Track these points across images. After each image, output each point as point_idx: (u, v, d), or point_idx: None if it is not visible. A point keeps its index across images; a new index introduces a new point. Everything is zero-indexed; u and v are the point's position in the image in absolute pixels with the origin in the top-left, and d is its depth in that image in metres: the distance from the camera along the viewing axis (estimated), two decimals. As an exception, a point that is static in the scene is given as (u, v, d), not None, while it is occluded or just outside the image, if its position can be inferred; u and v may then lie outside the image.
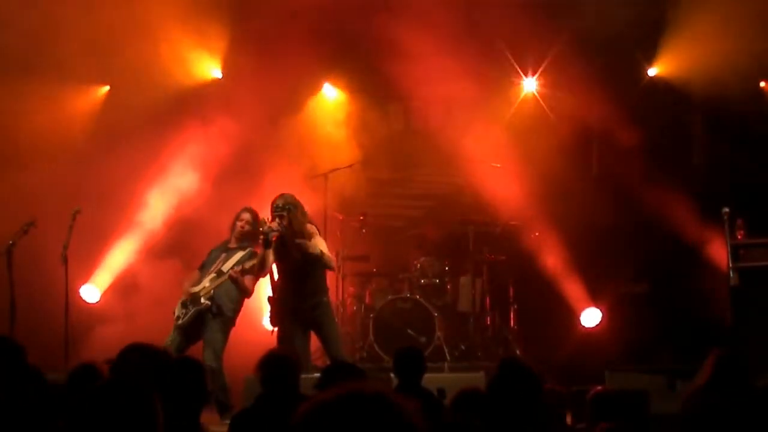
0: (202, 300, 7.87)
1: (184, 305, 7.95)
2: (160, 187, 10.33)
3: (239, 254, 8.03)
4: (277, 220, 7.52)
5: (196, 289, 7.95)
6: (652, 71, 10.38)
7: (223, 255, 8.11)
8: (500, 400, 3.77)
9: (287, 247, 7.56)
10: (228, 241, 8.25)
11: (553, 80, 10.44)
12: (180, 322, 7.90)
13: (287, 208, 7.55)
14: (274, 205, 7.61)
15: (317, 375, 5.98)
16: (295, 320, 7.65)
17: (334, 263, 8.03)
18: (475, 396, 4.18)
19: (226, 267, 7.96)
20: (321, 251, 7.60)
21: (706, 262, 9.55)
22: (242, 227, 8.14)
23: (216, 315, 7.87)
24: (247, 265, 7.82)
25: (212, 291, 7.89)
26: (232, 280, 7.83)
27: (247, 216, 8.19)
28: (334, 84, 11.05)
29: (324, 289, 7.87)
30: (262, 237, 7.51)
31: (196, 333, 7.93)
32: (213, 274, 7.98)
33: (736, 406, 2.49)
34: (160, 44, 9.93)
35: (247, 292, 7.95)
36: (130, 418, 2.55)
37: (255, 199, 9.89)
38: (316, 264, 7.63)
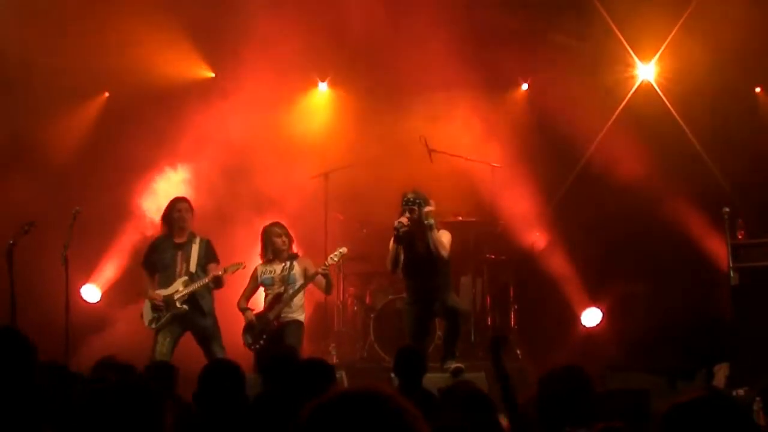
0: (178, 304, 7.90)
1: (155, 309, 7.94)
2: (158, 189, 10.33)
3: (195, 249, 8.03)
4: (406, 214, 7.56)
5: (169, 292, 7.94)
6: (649, 74, 10.34)
7: (179, 253, 8.06)
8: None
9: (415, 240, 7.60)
10: (170, 236, 8.15)
11: (549, 80, 10.46)
12: (156, 325, 7.92)
13: (417, 202, 7.60)
14: (405, 199, 7.63)
15: None
16: (427, 311, 7.82)
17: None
18: (481, 396, 4.17)
19: (193, 266, 7.97)
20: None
21: (707, 261, 9.55)
22: (183, 217, 8.08)
23: (207, 314, 7.99)
24: (231, 270, 7.92)
25: (187, 295, 7.91)
26: (216, 281, 7.89)
27: (185, 205, 8.18)
28: (334, 83, 11.04)
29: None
30: (394, 232, 7.53)
31: (178, 332, 7.99)
32: (185, 278, 7.96)
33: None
34: (154, 46, 9.92)
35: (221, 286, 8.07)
36: (138, 420, 2.54)
37: (255, 200, 9.91)
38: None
